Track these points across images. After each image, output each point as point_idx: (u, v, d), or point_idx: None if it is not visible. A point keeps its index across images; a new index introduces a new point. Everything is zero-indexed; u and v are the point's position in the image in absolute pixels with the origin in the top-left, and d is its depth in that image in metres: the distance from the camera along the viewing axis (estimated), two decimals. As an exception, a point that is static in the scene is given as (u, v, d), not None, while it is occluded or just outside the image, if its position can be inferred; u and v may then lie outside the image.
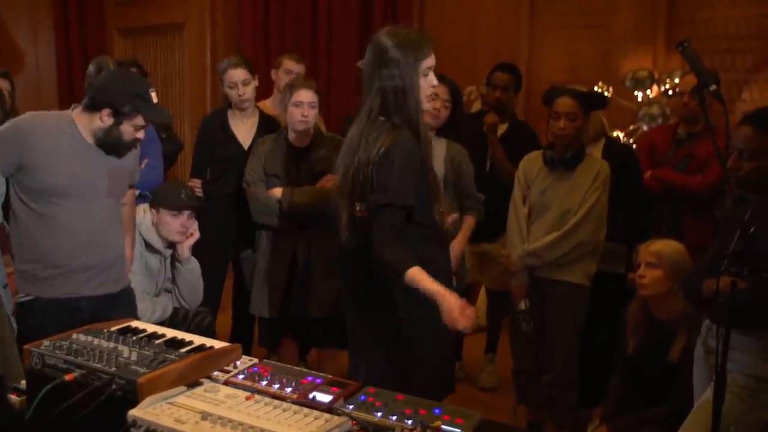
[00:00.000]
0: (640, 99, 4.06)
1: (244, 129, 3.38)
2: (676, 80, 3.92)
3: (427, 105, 2.14)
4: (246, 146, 3.34)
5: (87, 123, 2.25)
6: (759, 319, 1.98)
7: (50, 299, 2.26)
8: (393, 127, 2.06)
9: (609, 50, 4.46)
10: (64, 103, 5.50)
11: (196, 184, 3.36)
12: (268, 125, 3.39)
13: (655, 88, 4.06)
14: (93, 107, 2.22)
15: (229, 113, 3.42)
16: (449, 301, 1.91)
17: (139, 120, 2.22)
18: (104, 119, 2.21)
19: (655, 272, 2.49)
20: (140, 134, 2.27)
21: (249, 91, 3.33)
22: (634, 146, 3.69)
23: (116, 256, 2.39)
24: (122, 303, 2.40)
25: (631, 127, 3.99)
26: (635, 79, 4.07)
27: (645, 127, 3.92)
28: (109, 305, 2.32)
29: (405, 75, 2.04)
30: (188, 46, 6.10)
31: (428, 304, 1.96)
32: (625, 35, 4.42)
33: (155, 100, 2.24)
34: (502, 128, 3.55)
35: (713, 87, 1.74)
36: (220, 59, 3.76)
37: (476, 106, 4.37)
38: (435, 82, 2.12)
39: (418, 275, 1.95)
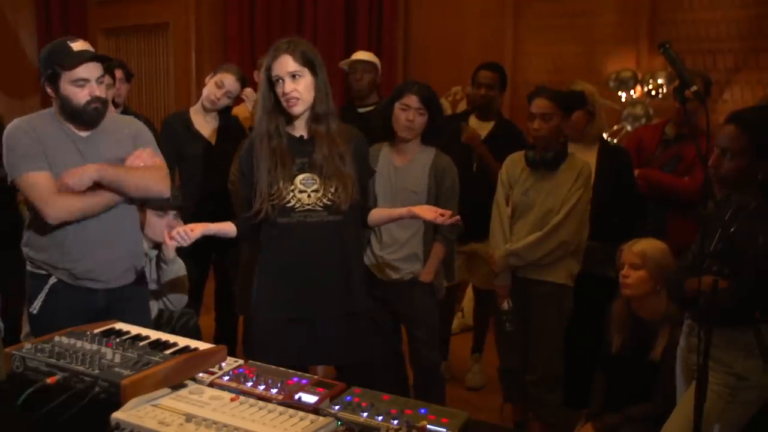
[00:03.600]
0: (623, 99, 4.10)
1: (207, 128, 3.42)
2: (659, 81, 3.96)
3: (288, 109, 2.19)
4: (212, 143, 3.38)
5: (58, 110, 2.24)
6: (740, 317, 2.00)
7: (67, 284, 2.25)
8: None
9: (592, 51, 4.50)
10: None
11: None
12: (227, 121, 3.46)
13: (638, 88, 4.10)
14: (45, 92, 2.23)
15: (192, 113, 3.44)
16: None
17: (69, 74, 2.16)
18: (51, 94, 2.21)
19: (639, 273, 2.50)
20: (92, 90, 2.18)
21: (224, 102, 3.40)
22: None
23: (130, 249, 2.38)
24: (137, 295, 2.41)
25: (615, 128, 4.03)
26: (619, 79, 4.10)
27: (629, 128, 3.95)
28: (125, 297, 2.33)
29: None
30: (173, 46, 6.07)
31: (266, 273, 2.30)
32: (608, 36, 4.46)
33: (80, 48, 2.17)
34: (489, 126, 3.55)
35: (694, 88, 1.76)
36: (204, 59, 3.73)
37: (462, 107, 4.39)
38: (287, 89, 2.15)
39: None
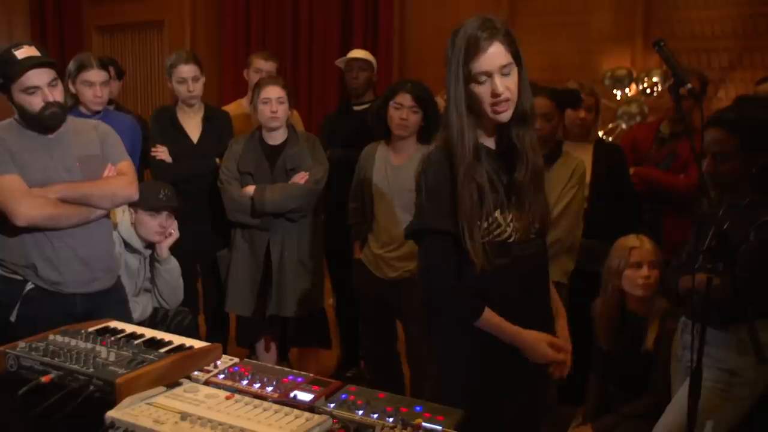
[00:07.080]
0: (618, 97, 4.11)
1: (192, 125, 3.37)
2: (654, 79, 3.98)
3: (494, 116, 1.64)
4: (195, 141, 3.33)
5: (18, 118, 2.21)
6: (733, 314, 2.01)
7: (44, 290, 2.23)
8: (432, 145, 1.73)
9: (588, 49, 4.51)
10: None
11: (158, 150, 3.27)
12: (213, 119, 3.39)
13: (633, 86, 4.11)
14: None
15: (178, 110, 3.40)
16: (530, 341, 1.68)
17: (18, 84, 2.12)
18: (8, 101, 2.18)
19: (655, 271, 2.49)
20: (45, 96, 2.13)
21: (198, 88, 3.30)
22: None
23: (105, 249, 2.37)
24: (115, 300, 2.38)
25: (610, 126, 4.03)
26: (614, 77, 4.12)
27: (624, 126, 3.96)
28: (102, 302, 2.30)
29: (449, 81, 1.64)
30: (168, 44, 6.05)
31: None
32: (603, 34, 4.47)
33: (26, 54, 2.10)
34: None
35: (689, 85, 1.76)
36: (199, 57, 3.70)
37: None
38: (499, 88, 1.59)
39: (491, 320, 1.66)
